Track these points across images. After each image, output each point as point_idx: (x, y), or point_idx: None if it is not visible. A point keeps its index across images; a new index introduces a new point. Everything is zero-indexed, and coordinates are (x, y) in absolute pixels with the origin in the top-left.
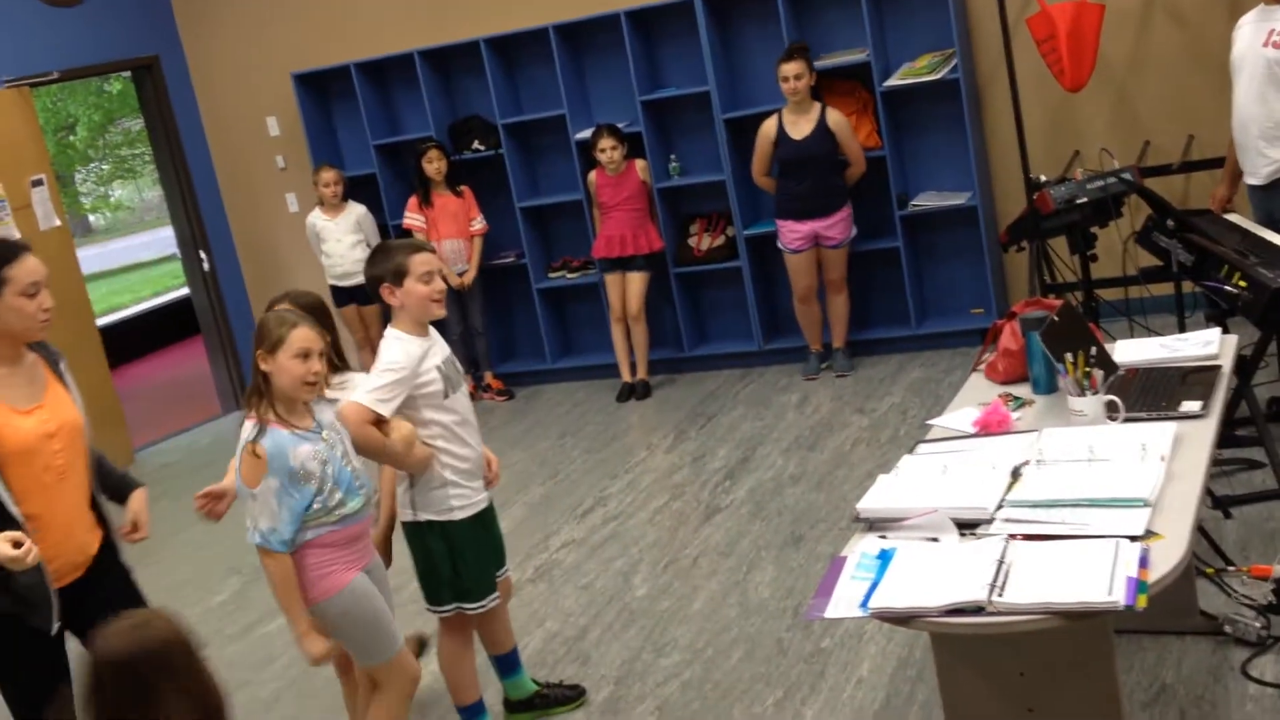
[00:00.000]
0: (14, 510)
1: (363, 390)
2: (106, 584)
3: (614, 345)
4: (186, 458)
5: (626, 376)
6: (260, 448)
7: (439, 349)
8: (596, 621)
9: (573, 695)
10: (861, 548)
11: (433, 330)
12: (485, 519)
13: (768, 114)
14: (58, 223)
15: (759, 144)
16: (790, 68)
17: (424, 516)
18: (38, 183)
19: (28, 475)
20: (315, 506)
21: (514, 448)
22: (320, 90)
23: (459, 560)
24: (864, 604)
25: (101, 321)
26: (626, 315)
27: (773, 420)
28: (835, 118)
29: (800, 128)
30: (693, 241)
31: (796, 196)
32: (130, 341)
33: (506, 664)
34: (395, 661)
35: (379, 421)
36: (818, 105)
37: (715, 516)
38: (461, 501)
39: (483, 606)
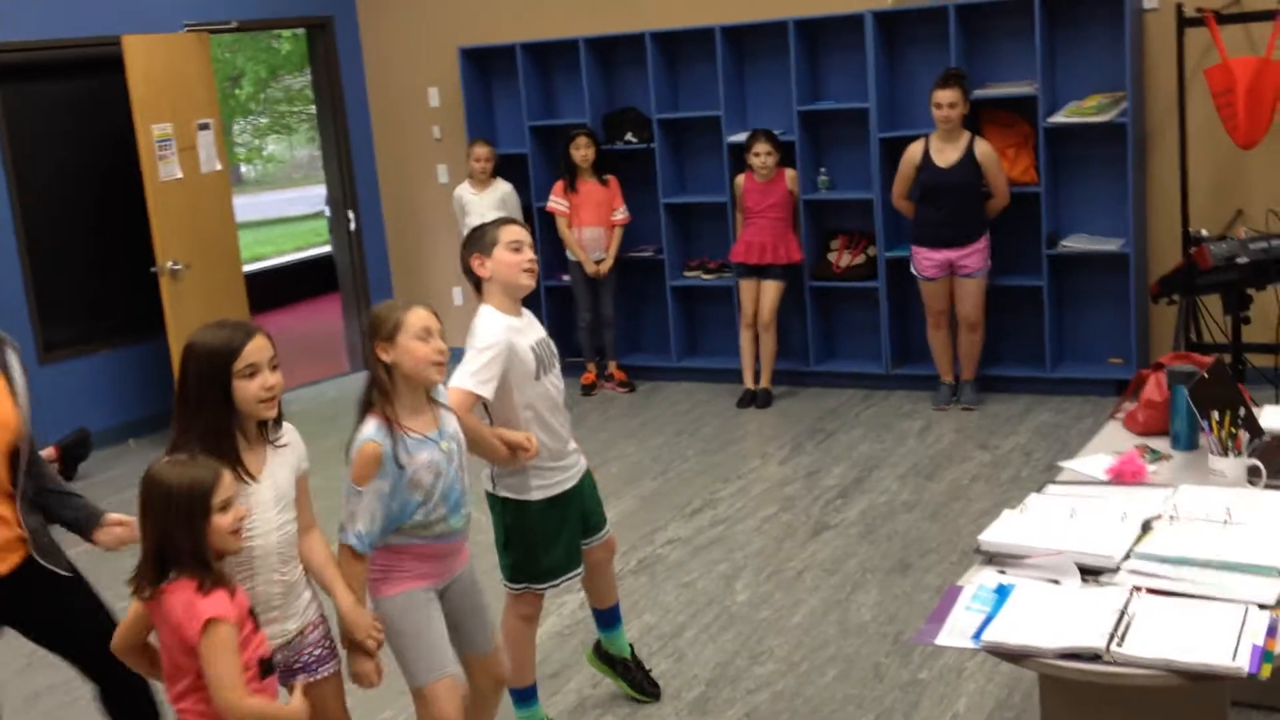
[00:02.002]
0: None
1: (461, 372)
2: (35, 586)
3: (741, 350)
4: (312, 408)
5: (749, 383)
6: (378, 447)
7: (533, 329)
8: (694, 621)
9: (650, 690)
10: (979, 579)
11: (527, 311)
12: (568, 498)
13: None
14: (218, 167)
15: (902, 167)
16: (945, 95)
17: (501, 493)
18: (204, 126)
19: None
20: (417, 518)
21: (629, 440)
22: (483, 66)
23: (531, 541)
24: (976, 636)
25: (246, 269)
26: (757, 322)
27: (892, 445)
28: (983, 149)
29: (946, 155)
30: (832, 257)
31: (934, 224)
32: (270, 291)
33: (607, 618)
34: (429, 690)
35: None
36: (967, 134)
37: (824, 533)
38: (540, 483)
39: (553, 585)
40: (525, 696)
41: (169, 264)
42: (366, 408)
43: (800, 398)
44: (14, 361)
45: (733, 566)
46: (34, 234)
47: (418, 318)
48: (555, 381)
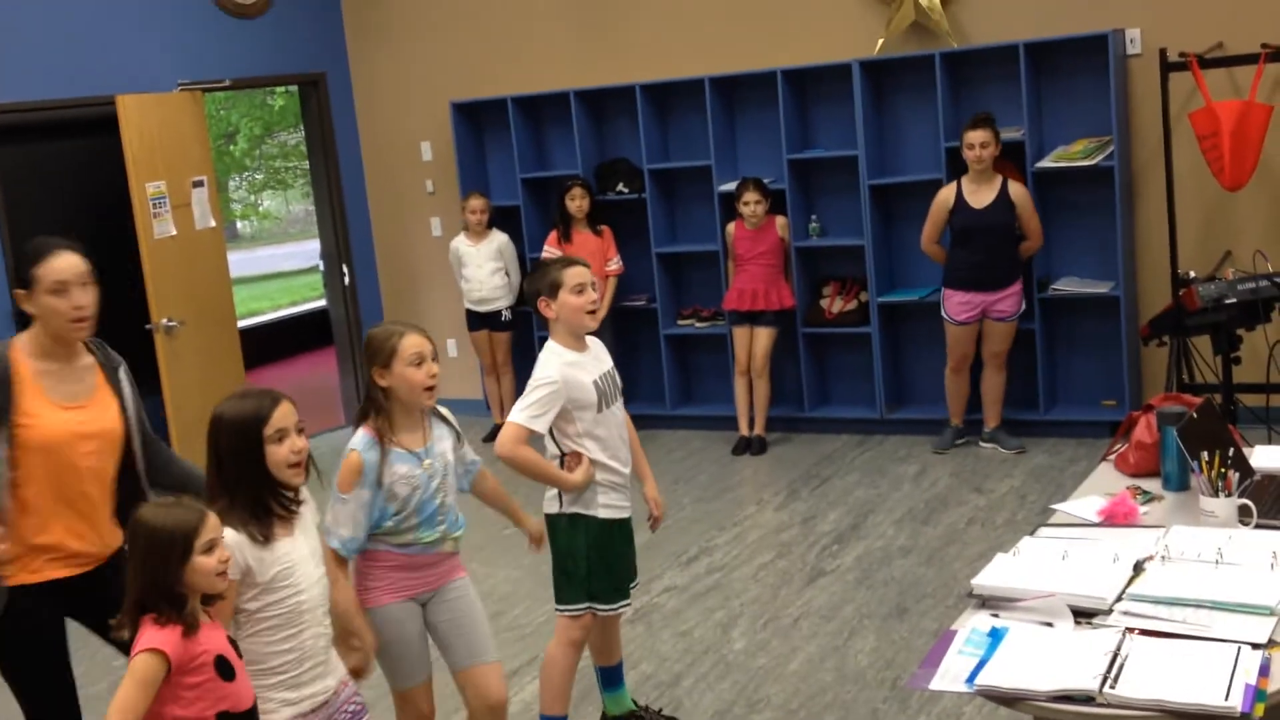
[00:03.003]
0: (2, 496)
1: (518, 408)
2: (117, 582)
3: (735, 397)
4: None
5: (744, 430)
6: (361, 457)
7: (597, 363)
8: (691, 670)
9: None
10: (973, 623)
11: (596, 344)
12: (626, 530)
13: (916, 183)
14: (213, 224)
15: (934, 211)
16: (976, 135)
17: (569, 509)
18: (199, 184)
19: (48, 467)
20: (388, 524)
21: None
22: (475, 120)
23: (596, 558)
24: (970, 680)
25: (241, 324)
26: (751, 369)
27: (887, 490)
28: (1018, 190)
29: (981, 197)
30: (825, 303)
31: (970, 266)
32: (265, 345)
33: (612, 676)
34: (407, 693)
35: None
36: (1000, 176)
37: (820, 579)
38: (607, 502)
39: (614, 610)
40: None
41: (164, 321)
42: (362, 418)
43: (795, 444)
44: (124, 377)
45: (729, 614)
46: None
47: (412, 344)
48: (617, 413)
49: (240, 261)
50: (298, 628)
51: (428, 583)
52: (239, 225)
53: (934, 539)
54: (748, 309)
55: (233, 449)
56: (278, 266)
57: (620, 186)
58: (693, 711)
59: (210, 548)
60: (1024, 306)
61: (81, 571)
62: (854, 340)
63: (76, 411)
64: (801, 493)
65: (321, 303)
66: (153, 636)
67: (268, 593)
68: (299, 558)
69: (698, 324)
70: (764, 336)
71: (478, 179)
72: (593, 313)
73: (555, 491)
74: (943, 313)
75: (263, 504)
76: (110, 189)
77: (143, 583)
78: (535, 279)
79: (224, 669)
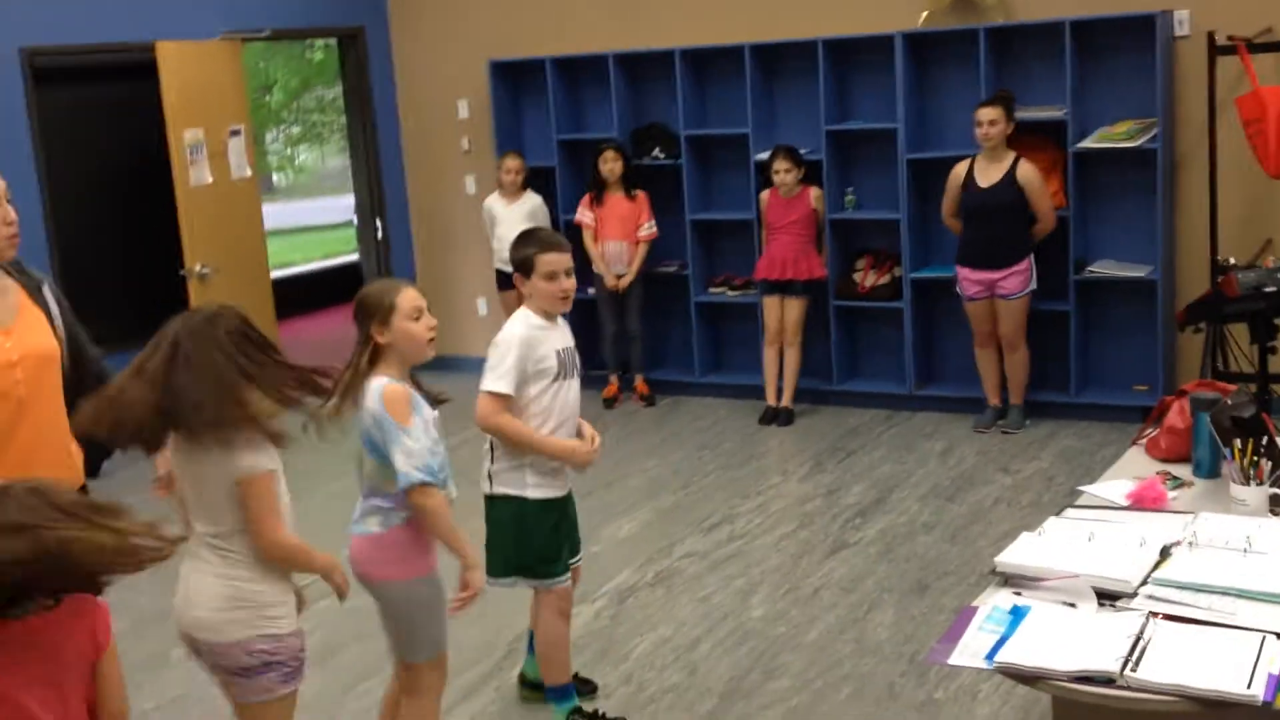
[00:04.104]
0: None
1: (484, 379)
2: None
3: (764, 367)
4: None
5: (772, 400)
6: (399, 386)
7: (562, 337)
8: (709, 635)
9: (583, 689)
10: (994, 601)
11: (563, 322)
12: (559, 506)
13: (955, 158)
14: (248, 174)
15: (949, 186)
16: (986, 113)
17: (499, 489)
18: (235, 133)
19: None
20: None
21: (650, 454)
22: (513, 80)
23: (523, 537)
24: (990, 657)
25: (273, 275)
26: (781, 339)
27: (914, 465)
28: (1026, 170)
29: (988, 175)
30: (858, 276)
31: (975, 244)
32: (297, 297)
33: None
34: (437, 662)
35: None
36: (1012, 155)
37: (842, 551)
38: (537, 482)
39: (550, 584)
40: (565, 693)
41: (197, 268)
42: (354, 376)
43: (822, 416)
44: (49, 294)
45: (749, 582)
46: (65, 236)
47: (408, 298)
48: (571, 392)
49: (274, 214)
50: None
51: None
52: (274, 178)
53: (958, 517)
54: (778, 278)
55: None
56: (311, 220)
57: (656, 151)
58: (708, 676)
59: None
60: (1032, 286)
61: None
62: (886, 315)
63: (2, 338)
64: (827, 465)
65: (353, 257)
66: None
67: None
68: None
69: (729, 292)
70: (795, 307)
71: (513, 139)
72: (565, 300)
73: (487, 473)
74: (957, 289)
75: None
76: (148, 135)
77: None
78: (518, 247)
79: None
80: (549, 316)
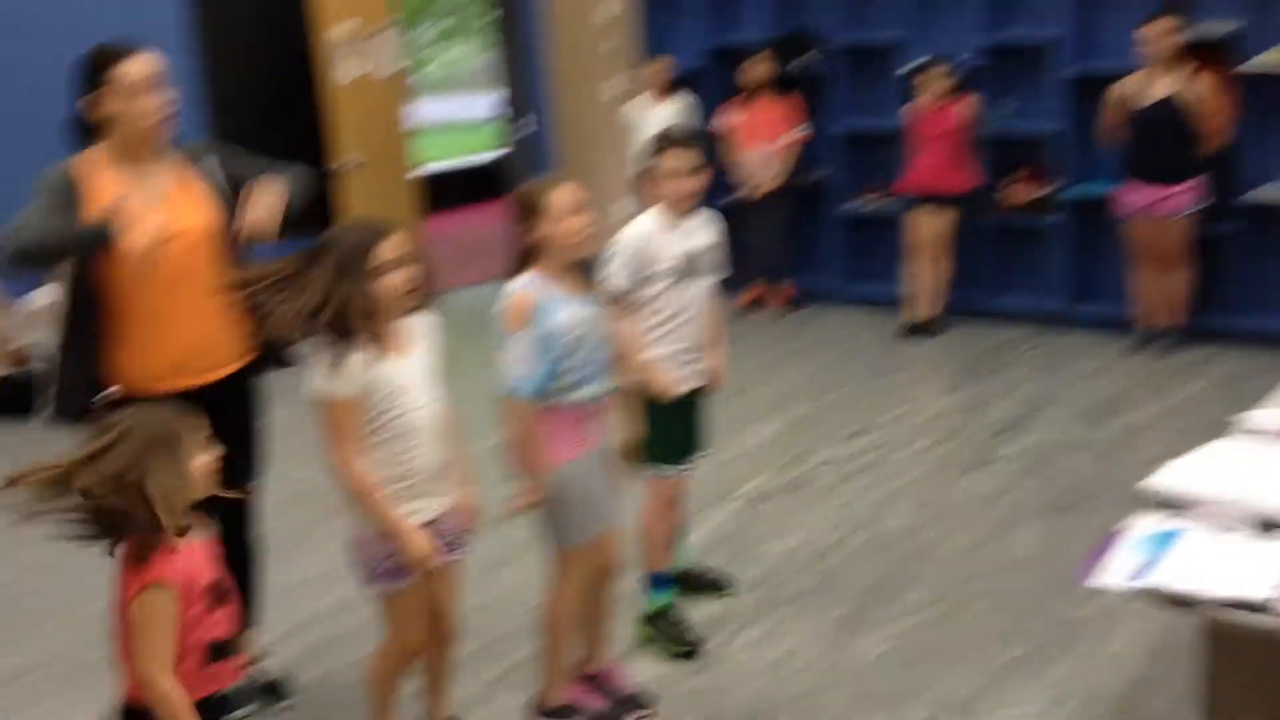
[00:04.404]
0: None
1: (608, 276)
2: (229, 405)
3: (909, 279)
4: (475, 310)
5: (915, 313)
6: (525, 296)
7: (689, 237)
8: (844, 543)
9: (718, 585)
10: (1145, 523)
11: (702, 219)
12: (688, 399)
13: (1119, 72)
14: (396, 69)
15: (1113, 100)
16: (1156, 26)
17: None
18: (384, 28)
19: (145, 282)
20: (562, 375)
21: (789, 361)
22: None
23: (652, 425)
24: (1138, 579)
25: (418, 171)
26: (927, 252)
27: (1062, 384)
28: (1196, 86)
29: (1156, 90)
30: (1009, 191)
31: (1142, 160)
32: (440, 194)
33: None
34: (581, 550)
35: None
36: (1184, 69)
37: (984, 467)
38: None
39: (673, 473)
40: (660, 582)
41: (344, 162)
42: (515, 272)
43: (968, 330)
44: (211, 165)
45: (887, 493)
46: (220, 127)
47: (561, 195)
48: (693, 292)
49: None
50: (410, 444)
51: (594, 438)
52: (421, 73)
53: (1106, 438)
54: (926, 189)
55: (338, 270)
56: (456, 116)
57: (805, 57)
58: (842, 584)
59: (200, 449)
60: (1199, 205)
61: (205, 381)
62: (1039, 231)
63: (162, 212)
64: (971, 380)
65: (498, 154)
66: (147, 569)
67: (378, 409)
68: (409, 377)
69: (875, 202)
70: (943, 220)
71: (663, 40)
72: (687, 198)
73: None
74: (1118, 206)
75: (370, 327)
76: (299, 29)
77: (133, 495)
78: (649, 152)
79: (219, 593)
80: (675, 216)
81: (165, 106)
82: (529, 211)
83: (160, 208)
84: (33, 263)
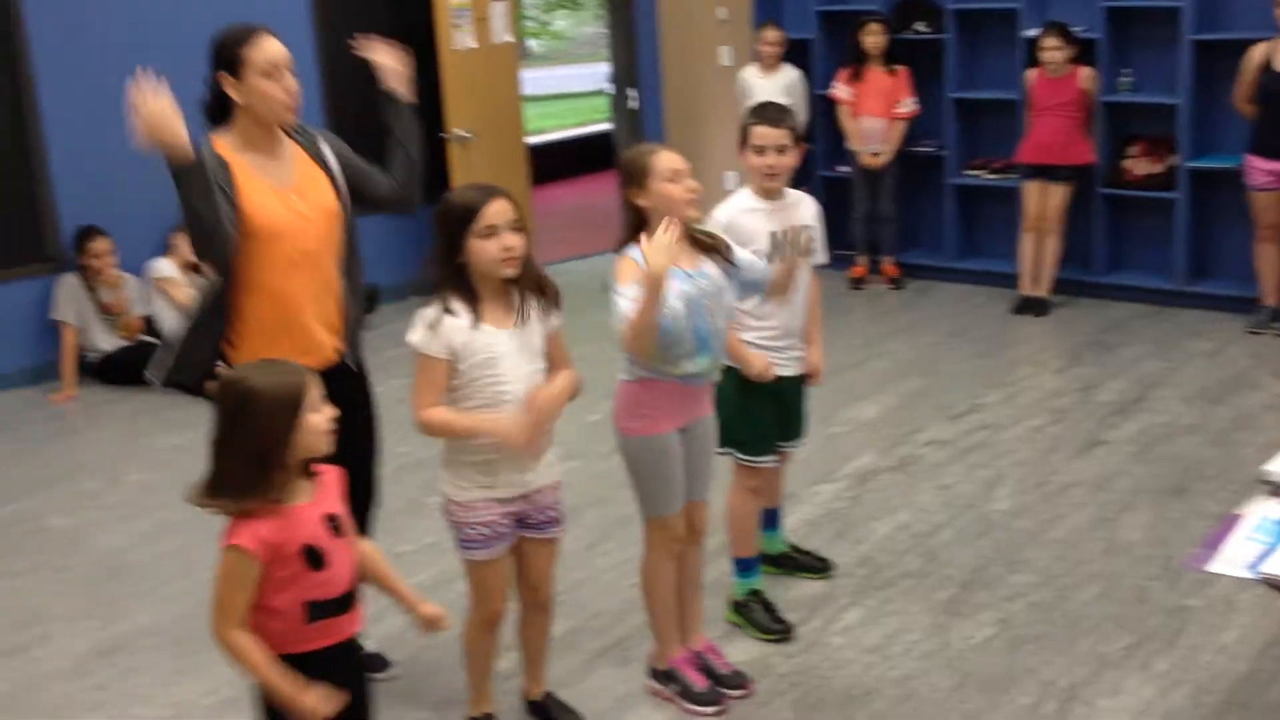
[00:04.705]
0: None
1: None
2: (346, 387)
3: (1021, 254)
4: (583, 281)
5: (1027, 289)
6: (636, 261)
7: (783, 217)
8: (950, 524)
9: (819, 566)
10: (1263, 510)
11: (797, 198)
12: (781, 386)
13: (1247, 40)
14: (509, 39)
15: (1245, 68)
16: None
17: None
18: None
19: (275, 253)
20: (667, 346)
21: (896, 337)
22: None
23: (737, 408)
24: (1254, 567)
25: (527, 141)
26: (1041, 226)
27: (1178, 364)
28: None
29: None
30: (1129, 164)
31: (1271, 131)
32: (549, 164)
33: (766, 518)
34: (661, 520)
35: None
36: None
37: (1095, 449)
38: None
39: (754, 462)
40: (747, 566)
41: (458, 131)
42: (624, 242)
43: (1081, 308)
44: (327, 151)
45: (995, 473)
46: (336, 96)
47: (665, 160)
48: (801, 272)
49: (530, 80)
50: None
51: (691, 412)
52: (530, 44)
53: (1224, 420)
54: (1042, 161)
55: (443, 232)
56: (564, 87)
57: (919, 25)
58: (948, 565)
59: (315, 406)
60: None
61: (324, 362)
62: (1157, 205)
63: (294, 196)
64: (1083, 359)
65: (606, 125)
66: (240, 531)
67: (468, 376)
68: (506, 350)
69: (988, 175)
70: (1059, 192)
71: (772, 9)
72: (773, 176)
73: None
74: (1244, 179)
75: (466, 288)
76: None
77: (238, 456)
78: (743, 127)
79: (312, 558)
80: (768, 195)
81: (294, 90)
82: (633, 178)
83: (289, 190)
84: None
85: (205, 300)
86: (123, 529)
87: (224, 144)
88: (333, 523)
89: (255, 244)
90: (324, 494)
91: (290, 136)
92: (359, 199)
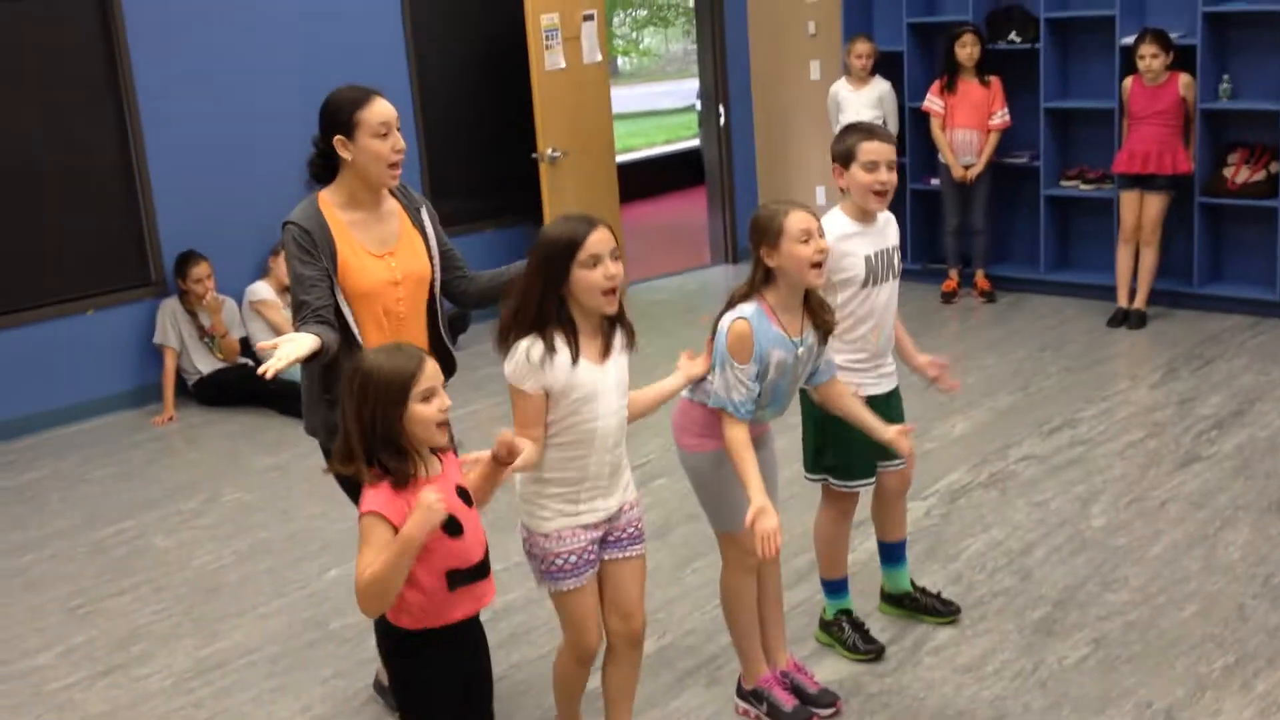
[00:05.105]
0: (357, 335)
1: None
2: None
3: (1116, 266)
4: (676, 298)
5: (1123, 301)
6: (749, 326)
7: (876, 239)
8: (1045, 541)
9: (944, 610)
10: None
11: (885, 219)
12: (874, 405)
13: None
14: (599, 58)
15: None
16: None
17: (807, 386)
18: (589, 17)
19: (367, 315)
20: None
21: (989, 351)
22: None
23: (829, 434)
24: None
25: (617, 159)
26: (1137, 236)
27: (1279, 378)
28: None
29: None
30: (1228, 172)
31: None
32: (638, 182)
33: (888, 553)
34: (734, 537)
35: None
36: None
37: (1193, 464)
38: (844, 383)
39: (847, 486)
40: (836, 588)
41: (549, 151)
42: (744, 298)
43: (1178, 320)
44: (427, 219)
45: (1090, 489)
46: (430, 113)
47: (798, 220)
48: (883, 295)
49: (618, 98)
50: (585, 451)
51: (756, 431)
52: (619, 61)
53: None
54: (1138, 171)
55: (544, 266)
56: (654, 104)
57: (1012, 35)
58: (1042, 583)
59: (428, 396)
60: None
61: None
62: (1257, 214)
63: (388, 259)
64: (1181, 372)
65: (695, 142)
66: (373, 499)
67: (563, 411)
68: (603, 386)
69: (1082, 185)
70: (1155, 202)
71: (863, 22)
72: (879, 194)
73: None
74: None
75: (568, 324)
76: (507, 18)
77: (360, 428)
78: (837, 140)
79: (450, 526)
80: (863, 217)
81: (402, 149)
82: (765, 236)
83: (388, 254)
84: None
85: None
86: (221, 548)
87: (329, 201)
88: (462, 494)
89: (351, 305)
90: (451, 466)
91: (393, 195)
92: (443, 284)
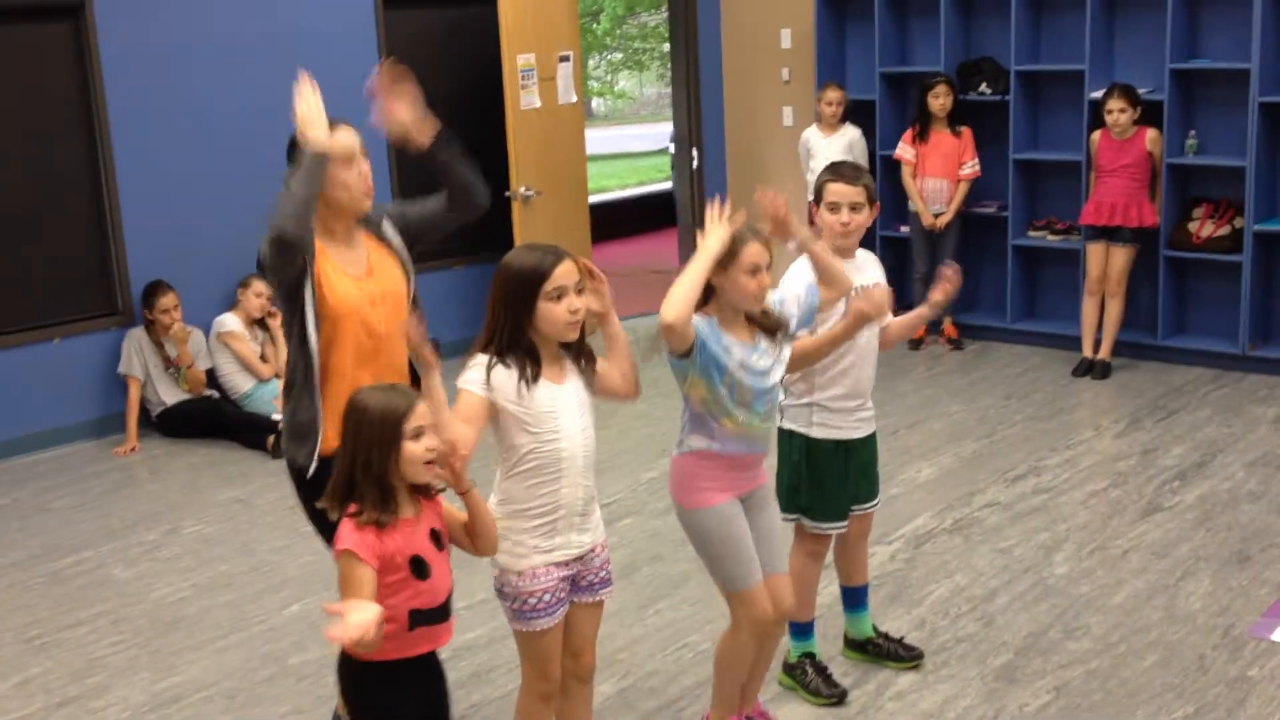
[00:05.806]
0: (314, 359)
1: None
2: None
3: (1082, 316)
4: (645, 338)
5: (1088, 352)
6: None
7: (854, 278)
8: (1008, 588)
9: (907, 655)
10: None
11: (864, 255)
12: (851, 449)
13: None
14: (574, 99)
15: None
16: None
17: (787, 425)
18: (564, 58)
19: (348, 335)
20: (721, 393)
21: (955, 399)
22: (838, 9)
23: (803, 475)
24: None
25: (590, 200)
26: (1103, 288)
27: (1242, 430)
28: None
29: None
30: (1193, 226)
31: None
32: (610, 222)
33: (850, 598)
34: (745, 595)
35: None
36: None
37: (1156, 514)
38: (822, 424)
39: (820, 529)
40: (802, 631)
41: (522, 190)
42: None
43: (1142, 371)
44: (390, 230)
45: (1053, 537)
46: (402, 152)
47: (751, 254)
48: (867, 331)
49: (592, 139)
50: (554, 476)
51: (745, 484)
52: (594, 103)
53: None
54: (1105, 223)
55: (507, 296)
56: (627, 146)
57: (983, 87)
58: (1005, 630)
59: (418, 434)
60: None
61: None
62: (1222, 268)
63: (365, 279)
64: (1144, 423)
65: (667, 185)
66: (347, 537)
67: (527, 435)
68: (564, 405)
69: (1050, 237)
70: (1121, 255)
71: (835, 70)
72: (845, 234)
73: (780, 406)
74: None
75: (529, 350)
76: (482, 58)
77: (350, 465)
78: (818, 185)
79: (418, 568)
80: (841, 254)
81: (368, 175)
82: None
83: (364, 275)
84: (292, 233)
85: (293, 377)
86: (180, 581)
87: None
88: (435, 537)
89: (331, 327)
90: (429, 509)
91: (359, 224)
92: (433, 230)
